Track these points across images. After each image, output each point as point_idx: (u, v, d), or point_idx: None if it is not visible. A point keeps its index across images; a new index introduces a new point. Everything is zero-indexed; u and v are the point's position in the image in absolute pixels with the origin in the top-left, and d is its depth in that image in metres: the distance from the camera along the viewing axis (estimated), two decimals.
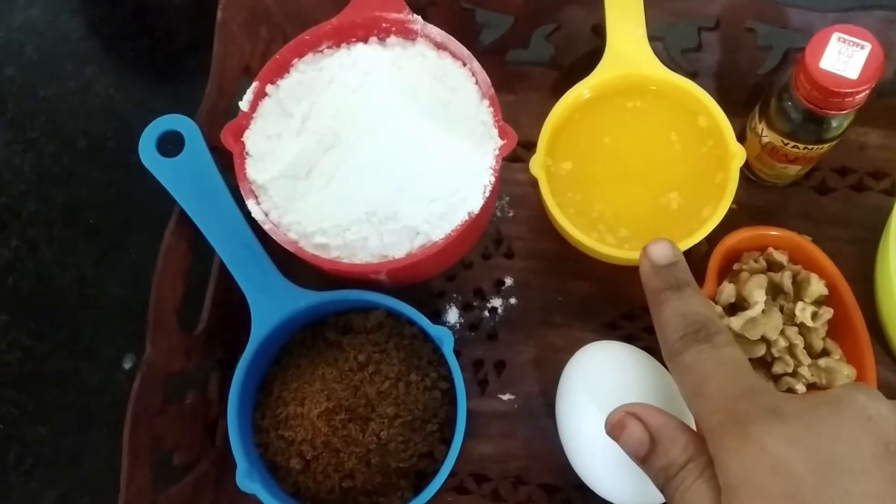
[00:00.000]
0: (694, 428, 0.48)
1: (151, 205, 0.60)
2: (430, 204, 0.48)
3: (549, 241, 0.57)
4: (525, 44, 0.60)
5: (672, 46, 0.59)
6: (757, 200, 0.57)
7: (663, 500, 0.47)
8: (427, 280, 0.56)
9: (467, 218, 0.49)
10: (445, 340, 0.49)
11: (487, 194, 0.49)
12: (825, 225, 0.56)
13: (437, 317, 0.57)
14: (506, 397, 0.55)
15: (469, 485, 0.54)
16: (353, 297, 0.51)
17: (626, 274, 0.56)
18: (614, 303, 0.56)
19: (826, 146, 0.52)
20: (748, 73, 0.59)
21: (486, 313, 0.57)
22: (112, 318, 0.61)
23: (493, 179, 0.49)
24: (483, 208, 0.49)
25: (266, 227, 0.49)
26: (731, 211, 0.56)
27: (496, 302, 0.57)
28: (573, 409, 0.49)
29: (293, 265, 0.51)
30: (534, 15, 0.58)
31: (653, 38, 0.55)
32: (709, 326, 0.39)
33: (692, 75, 0.59)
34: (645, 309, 0.55)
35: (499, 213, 0.58)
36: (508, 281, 0.57)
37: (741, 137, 0.56)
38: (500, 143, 0.50)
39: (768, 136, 0.52)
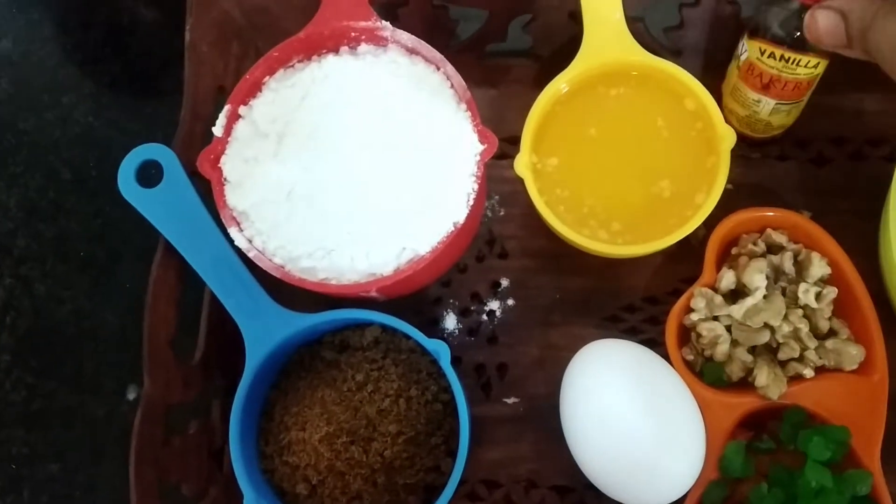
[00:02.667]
0: (699, 415, 0.48)
1: (140, 231, 0.59)
2: (415, 218, 0.47)
3: (542, 238, 0.55)
4: (502, 36, 0.58)
5: (653, 26, 0.57)
6: (753, 178, 0.56)
7: (671, 501, 0.47)
8: (422, 289, 0.55)
9: (453, 229, 0.47)
10: (442, 354, 0.48)
11: (472, 203, 0.48)
12: (825, 198, 0.55)
13: (434, 324, 0.56)
14: (510, 401, 0.54)
15: (480, 491, 0.53)
16: (346, 317, 0.50)
17: (625, 266, 0.55)
18: (614, 296, 0.55)
19: (809, 69, 0.48)
20: (734, 48, 0.56)
21: (485, 317, 0.56)
22: (112, 349, 0.61)
23: (476, 187, 0.48)
24: (469, 216, 0.48)
25: (251, 254, 0.48)
26: (727, 192, 0.55)
27: (494, 304, 0.56)
28: (576, 412, 0.48)
29: (286, 286, 0.50)
30: (508, 6, 0.56)
31: (633, 20, 0.53)
32: None
33: (676, 54, 0.57)
34: (646, 300, 0.55)
35: (489, 213, 0.57)
36: (504, 282, 0.56)
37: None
38: (481, 148, 0.48)
39: (748, 49, 0.50)
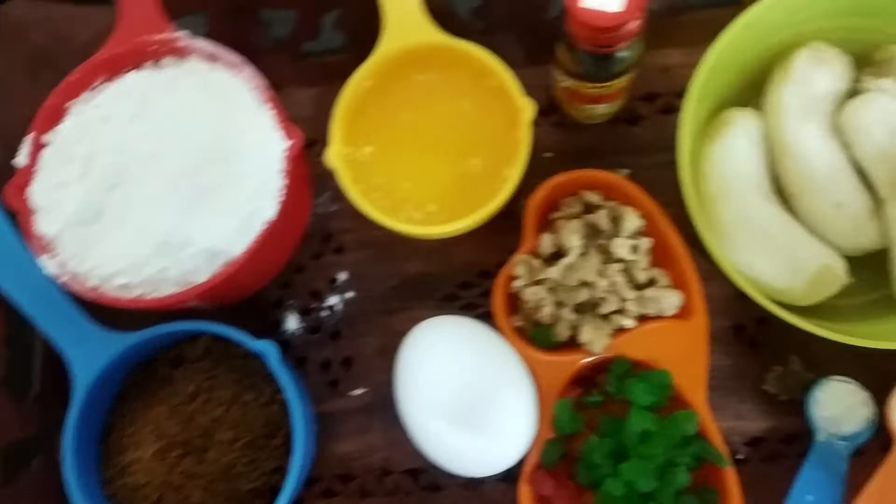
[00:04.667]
0: (528, 379, 0.48)
1: None
2: (223, 221, 0.47)
3: (376, 228, 0.55)
4: (315, 34, 0.59)
5: (460, 6, 0.58)
6: (571, 144, 0.57)
7: (508, 467, 0.48)
8: (256, 291, 0.55)
9: (264, 227, 0.48)
10: (269, 354, 0.48)
11: (282, 198, 0.48)
12: (641, 154, 0.56)
13: (276, 327, 0.56)
14: (357, 392, 0.55)
15: (336, 486, 0.53)
16: (169, 331, 0.50)
17: (457, 245, 0.56)
18: (449, 275, 0.56)
19: (624, 79, 0.51)
20: (540, 21, 0.58)
21: (326, 313, 0.56)
22: None
23: (285, 183, 0.48)
24: (281, 214, 0.48)
25: (62, 279, 0.48)
26: (547, 160, 0.56)
27: (333, 300, 0.56)
28: (408, 392, 0.49)
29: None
30: (314, 4, 0.57)
31: (438, 2, 0.54)
32: None
33: (486, 32, 0.58)
34: (479, 275, 0.56)
35: (322, 209, 0.57)
36: (342, 276, 0.56)
37: (546, 87, 0.56)
38: (288, 143, 0.49)
39: (564, 80, 0.52)
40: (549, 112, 0.57)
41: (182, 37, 0.51)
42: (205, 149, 0.49)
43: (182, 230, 0.47)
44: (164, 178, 0.48)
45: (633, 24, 0.46)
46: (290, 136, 0.49)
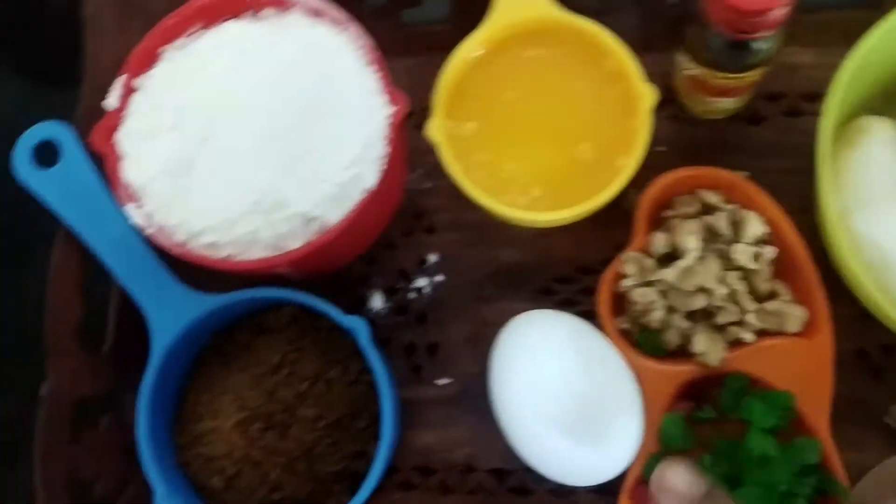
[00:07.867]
0: (636, 387, 0.45)
1: (46, 218, 0.56)
2: (321, 185, 0.44)
3: (471, 210, 0.52)
4: (418, 2, 0.56)
5: None
6: (686, 139, 0.53)
7: (609, 478, 0.45)
8: (343, 266, 0.52)
9: (364, 195, 0.45)
10: (360, 330, 0.45)
11: (384, 167, 0.45)
12: (761, 156, 0.52)
13: (361, 305, 0.53)
14: (442, 382, 0.51)
15: (414, 479, 0.50)
16: (255, 296, 0.47)
17: (556, 235, 0.52)
18: (547, 267, 0.52)
19: (756, 72, 0.47)
20: (662, 5, 0.54)
21: (413, 294, 0.53)
22: (22, 345, 0.57)
23: (388, 150, 0.45)
24: (382, 182, 0.45)
25: (147, 231, 0.45)
26: (660, 154, 0.53)
27: (422, 281, 0.53)
28: (506, 388, 0.45)
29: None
30: None
31: None
32: None
33: (603, 13, 0.54)
34: (579, 270, 0.52)
35: (415, 186, 0.54)
36: (433, 257, 0.53)
37: (664, 75, 0.52)
38: (392, 109, 0.46)
39: (693, 68, 0.48)
40: (665, 104, 0.53)
41: None
42: (304, 108, 0.45)
43: (277, 191, 0.44)
44: (260, 135, 0.45)
45: (780, 11, 0.42)
46: (394, 101, 0.46)
